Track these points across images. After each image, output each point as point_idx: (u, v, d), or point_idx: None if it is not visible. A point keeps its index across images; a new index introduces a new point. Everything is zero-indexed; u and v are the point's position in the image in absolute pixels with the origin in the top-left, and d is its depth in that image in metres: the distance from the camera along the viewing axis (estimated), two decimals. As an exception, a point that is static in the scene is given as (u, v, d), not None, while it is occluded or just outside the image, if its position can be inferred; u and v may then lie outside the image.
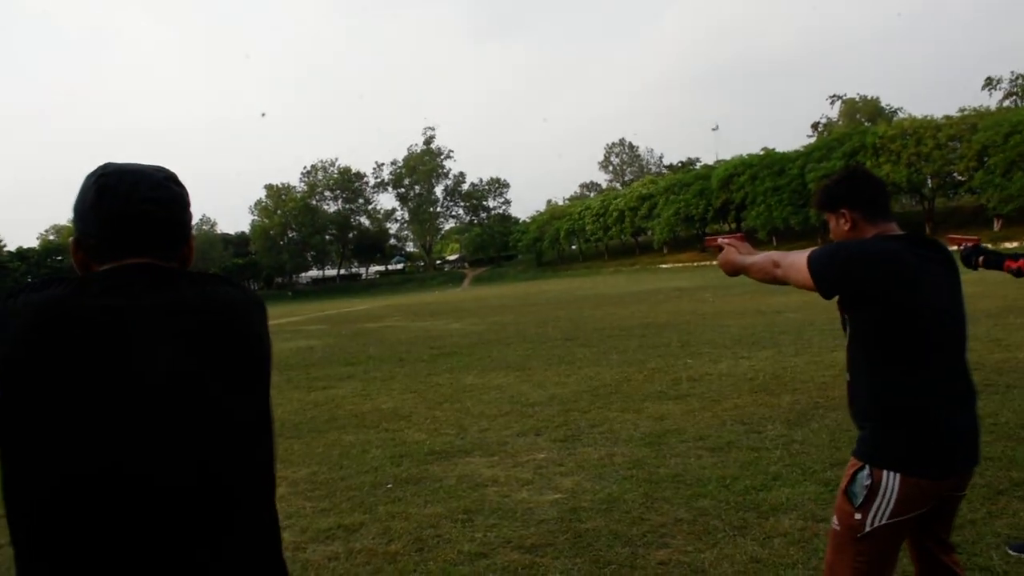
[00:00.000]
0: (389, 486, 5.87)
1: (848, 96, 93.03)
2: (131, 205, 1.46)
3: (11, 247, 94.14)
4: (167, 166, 1.59)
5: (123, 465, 1.31)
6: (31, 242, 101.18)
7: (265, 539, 1.50)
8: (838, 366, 8.89)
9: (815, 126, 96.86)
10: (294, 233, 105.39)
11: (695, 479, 5.43)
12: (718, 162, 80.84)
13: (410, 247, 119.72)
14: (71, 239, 1.54)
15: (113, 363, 1.33)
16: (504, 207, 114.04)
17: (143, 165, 1.54)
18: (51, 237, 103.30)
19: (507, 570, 4.17)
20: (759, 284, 3.05)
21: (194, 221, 1.65)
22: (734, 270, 2.82)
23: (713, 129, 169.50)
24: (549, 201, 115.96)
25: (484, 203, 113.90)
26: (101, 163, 1.53)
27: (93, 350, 1.33)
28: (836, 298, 2.49)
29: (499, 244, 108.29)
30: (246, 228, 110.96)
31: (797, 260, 2.50)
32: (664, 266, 73.13)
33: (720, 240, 2.92)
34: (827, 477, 5.16)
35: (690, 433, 6.72)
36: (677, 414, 7.56)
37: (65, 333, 1.33)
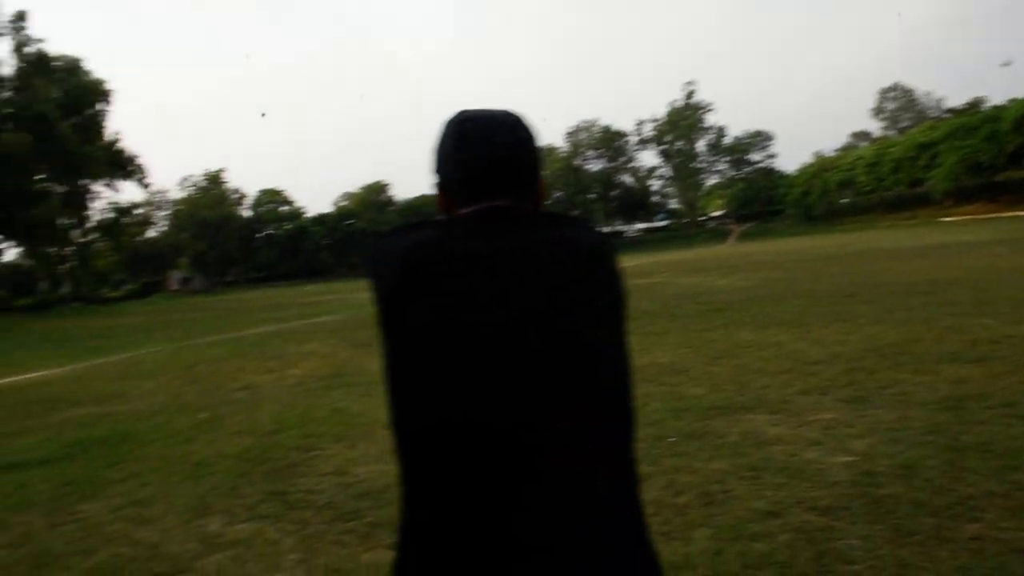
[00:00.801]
0: (672, 439, 5.92)
1: None
2: (488, 149, 1.49)
3: (311, 214, 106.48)
4: None
5: (471, 412, 1.34)
6: (328, 208, 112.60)
7: (603, 492, 1.39)
8: None
9: None
10: (559, 193, 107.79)
11: (1006, 449, 4.98)
12: (1011, 101, 72.17)
13: (673, 204, 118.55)
14: (436, 183, 1.58)
15: (470, 306, 1.37)
16: (769, 160, 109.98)
17: (495, 110, 1.56)
18: (344, 203, 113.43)
19: (802, 531, 4.06)
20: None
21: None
22: None
23: (1004, 65, 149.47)
24: (816, 153, 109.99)
25: (747, 157, 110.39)
26: (458, 111, 1.56)
27: (454, 293, 1.38)
28: None
29: (764, 199, 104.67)
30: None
31: None
32: (947, 219, 66.79)
33: None
34: None
35: (996, 399, 6.17)
36: (978, 378, 6.97)
37: (431, 276, 1.39)
